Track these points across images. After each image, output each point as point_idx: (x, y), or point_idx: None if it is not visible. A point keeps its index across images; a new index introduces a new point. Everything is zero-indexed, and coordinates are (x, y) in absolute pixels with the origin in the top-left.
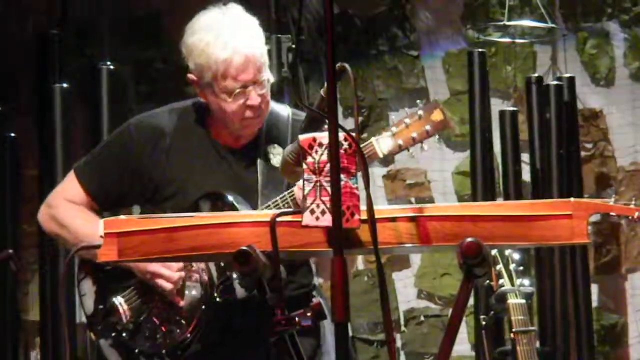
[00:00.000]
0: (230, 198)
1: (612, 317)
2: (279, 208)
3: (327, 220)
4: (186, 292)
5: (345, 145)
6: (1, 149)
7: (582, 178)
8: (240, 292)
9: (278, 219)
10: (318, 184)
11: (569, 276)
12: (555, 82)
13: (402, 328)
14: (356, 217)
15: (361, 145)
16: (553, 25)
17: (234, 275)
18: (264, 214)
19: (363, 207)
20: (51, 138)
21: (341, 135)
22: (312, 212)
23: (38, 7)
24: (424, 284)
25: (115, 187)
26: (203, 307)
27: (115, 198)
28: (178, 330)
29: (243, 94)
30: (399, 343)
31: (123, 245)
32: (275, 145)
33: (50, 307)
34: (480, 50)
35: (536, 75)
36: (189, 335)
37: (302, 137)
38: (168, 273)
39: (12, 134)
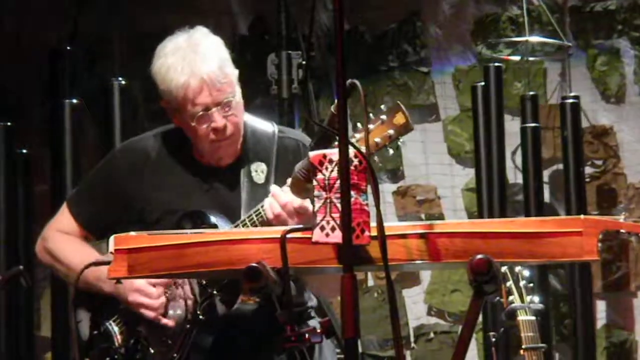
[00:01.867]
0: (212, 218)
1: (622, 334)
2: (247, 226)
3: (337, 236)
4: (170, 311)
5: (356, 161)
6: (12, 165)
7: (586, 195)
8: (220, 309)
9: (288, 236)
10: (328, 200)
11: (577, 293)
12: (571, 101)
13: (412, 344)
14: (366, 233)
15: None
16: (563, 42)
17: (215, 292)
18: (274, 230)
19: (373, 223)
20: (61, 153)
21: (351, 151)
22: (322, 228)
23: (49, 24)
24: (434, 301)
25: (105, 215)
26: (188, 326)
27: (106, 226)
28: (165, 350)
29: (206, 117)
30: (408, 359)
31: (133, 262)
32: (259, 162)
33: (61, 323)
34: (496, 64)
35: (531, 93)
36: (175, 355)
37: (313, 154)
38: (148, 301)
39: (24, 150)
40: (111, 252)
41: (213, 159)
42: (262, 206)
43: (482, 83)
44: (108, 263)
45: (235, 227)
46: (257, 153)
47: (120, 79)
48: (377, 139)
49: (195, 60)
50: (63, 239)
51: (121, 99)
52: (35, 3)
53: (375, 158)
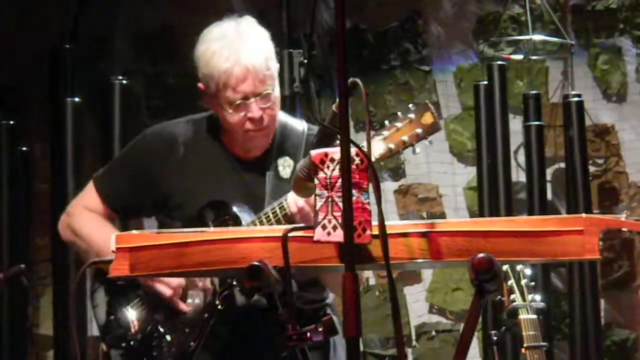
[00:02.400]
0: (234, 208)
1: (623, 333)
2: (263, 223)
3: (338, 235)
4: (189, 300)
5: (357, 160)
6: (13, 163)
7: (590, 193)
8: (240, 299)
9: (290, 235)
10: (330, 199)
11: (577, 292)
12: (576, 99)
13: (414, 343)
14: (368, 232)
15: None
16: (565, 40)
17: (234, 283)
18: (276, 229)
19: (375, 222)
20: (62, 152)
21: (353, 150)
22: (324, 227)
23: (50, 22)
24: (436, 299)
25: (130, 196)
26: (206, 315)
27: (131, 207)
28: (183, 339)
29: (244, 106)
30: (410, 358)
31: (135, 260)
32: (286, 157)
33: (63, 321)
34: (500, 63)
35: (534, 92)
36: (192, 343)
37: (314, 153)
38: (167, 278)
39: (24, 148)
40: (113, 251)
41: (243, 149)
42: (285, 199)
43: (485, 82)
44: (110, 262)
45: (258, 219)
46: (286, 148)
47: (121, 77)
48: (405, 137)
49: (241, 49)
50: (87, 216)
51: (122, 97)
52: (36, 2)
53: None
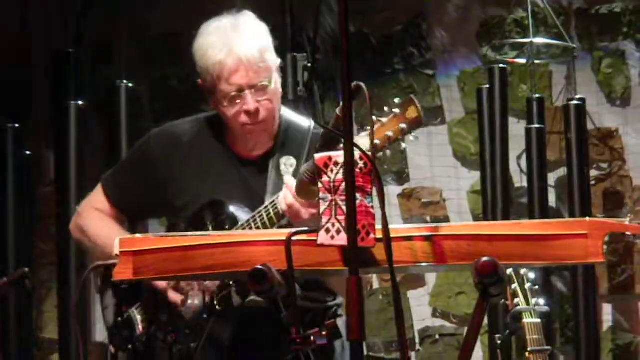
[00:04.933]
0: (231, 208)
1: (627, 337)
2: (257, 222)
3: (342, 239)
4: (189, 301)
5: (361, 164)
6: (18, 167)
7: (591, 197)
8: (236, 300)
9: (293, 238)
10: (333, 202)
11: (580, 296)
12: (575, 102)
13: (417, 347)
14: (371, 236)
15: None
16: (569, 44)
17: (231, 283)
18: (280, 232)
19: (378, 226)
20: (67, 156)
21: (357, 154)
22: (328, 231)
23: (55, 26)
24: (439, 303)
25: (137, 198)
26: (205, 316)
27: (138, 208)
28: (184, 340)
29: (239, 98)
30: None
31: (139, 264)
32: (290, 157)
33: (67, 324)
34: (501, 66)
35: (537, 96)
36: (193, 344)
37: (318, 156)
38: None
39: (29, 152)
40: (116, 254)
41: (245, 147)
42: (277, 197)
43: (487, 86)
44: (114, 265)
45: (252, 218)
46: (290, 147)
47: (126, 81)
48: (389, 133)
49: (235, 40)
50: (95, 216)
51: (127, 101)
52: (40, 5)
53: (384, 153)
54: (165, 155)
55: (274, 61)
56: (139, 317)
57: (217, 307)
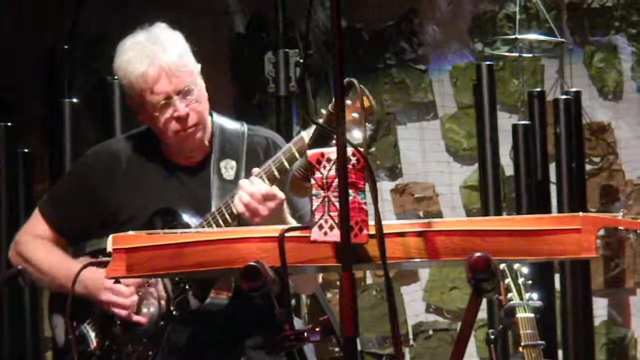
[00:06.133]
0: (183, 216)
1: (620, 331)
2: (210, 224)
3: (335, 235)
4: (144, 310)
5: (353, 160)
6: (12, 164)
7: (586, 192)
8: (193, 303)
9: (287, 235)
10: (326, 199)
11: (569, 291)
12: (564, 97)
13: (411, 342)
14: (364, 232)
15: (292, 140)
16: (560, 38)
17: (187, 287)
18: (272, 229)
19: (371, 222)
20: (61, 153)
21: (349, 150)
22: (321, 227)
23: (48, 22)
24: (433, 298)
25: (77, 219)
26: (162, 322)
27: (78, 229)
28: (141, 349)
29: (168, 106)
30: (407, 357)
31: (131, 261)
32: (228, 159)
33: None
34: (488, 62)
35: (538, 90)
36: (150, 353)
37: (311, 153)
38: (120, 300)
39: (23, 149)
40: (109, 252)
41: (182, 155)
42: (231, 199)
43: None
44: (107, 263)
45: (205, 221)
46: (226, 150)
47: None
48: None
49: (153, 51)
50: (36, 243)
51: (120, 97)
52: (33, 2)
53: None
54: (105, 173)
55: (195, 65)
56: (92, 333)
57: (174, 312)
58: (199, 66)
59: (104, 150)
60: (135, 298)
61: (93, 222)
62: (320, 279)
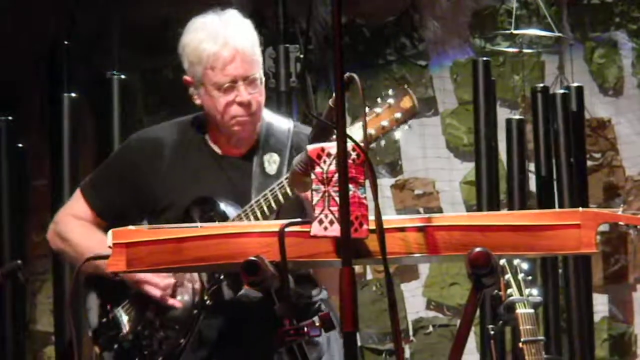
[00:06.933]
0: (220, 204)
1: (621, 327)
2: (249, 216)
3: (335, 230)
4: (178, 297)
5: (354, 155)
6: (11, 159)
7: (588, 187)
8: (227, 294)
9: (287, 230)
10: (326, 194)
11: (572, 286)
12: (561, 91)
13: (411, 338)
14: (365, 227)
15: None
16: (560, 34)
17: (222, 277)
18: (273, 224)
19: (371, 217)
20: (60, 148)
21: (349, 145)
22: (321, 222)
23: (47, 18)
24: (433, 294)
25: (119, 202)
26: (195, 311)
27: (120, 213)
28: (173, 336)
29: (232, 89)
30: (407, 353)
31: (132, 256)
32: (273, 153)
33: (62, 317)
34: (484, 59)
35: (542, 85)
36: (182, 340)
37: (311, 147)
38: (155, 280)
39: (22, 145)
40: (109, 246)
41: (229, 142)
42: (271, 192)
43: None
44: (107, 257)
45: (244, 212)
46: (272, 145)
47: (118, 72)
48: (384, 123)
49: (228, 33)
50: (74, 224)
51: (120, 93)
52: None
53: (378, 143)
54: (147, 159)
55: (261, 57)
56: (125, 317)
57: (208, 302)
58: (261, 59)
59: (148, 135)
60: (171, 281)
61: (133, 207)
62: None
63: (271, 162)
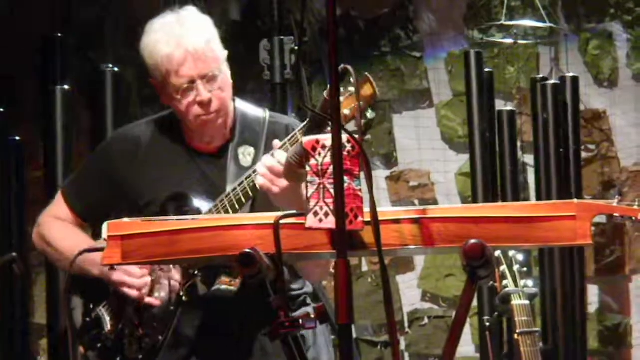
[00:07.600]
0: (195, 201)
1: (615, 318)
2: (223, 208)
3: (330, 222)
4: (155, 294)
5: (349, 147)
6: (5, 152)
7: (582, 179)
8: (202, 289)
9: (282, 222)
10: (321, 186)
11: (568, 277)
12: (552, 82)
13: (406, 329)
14: (360, 219)
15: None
16: (555, 25)
17: (196, 273)
18: (267, 216)
19: (366, 209)
20: (54, 140)
21: (344, 137)
22: (316, 214)
23: (41, 10)
24: (428, 286)
25: (99, 203)
26: (172, 308)
27: (101, 213)
28: (152, 334)
29: (192, 89)
30: (403, 345)
31: (126, 248)
32: (247, 146)
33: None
34: (477, 50)
35: (541, 76)
36: (160, 337)
37: (306, 139)
38: (131, 280)
39: (16, 137)
40: (104, 239)
41: (202, 140)
42: (246, 179)
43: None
44: (101, 250)
45: (214, 207)
46: (246, 137)
47: (112, 65)
48: (346, 111)
49: (181, 34)
50: (56, 225)
51: (114, 85)
52: None
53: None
54: (126, 157)
55: (221, 51)
56: (107, 316)
57: (184, 298)
58: (225, 53)
59: (125, 134)
60: (147, 280)
61: (113, 206)
62: (331, 267)
63: (246, 154)
